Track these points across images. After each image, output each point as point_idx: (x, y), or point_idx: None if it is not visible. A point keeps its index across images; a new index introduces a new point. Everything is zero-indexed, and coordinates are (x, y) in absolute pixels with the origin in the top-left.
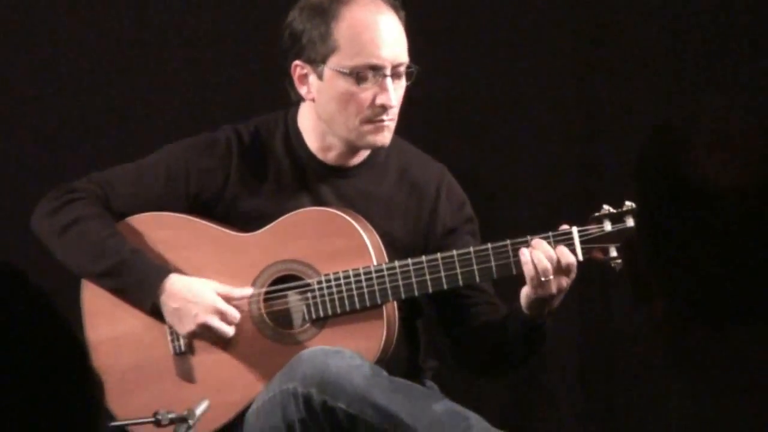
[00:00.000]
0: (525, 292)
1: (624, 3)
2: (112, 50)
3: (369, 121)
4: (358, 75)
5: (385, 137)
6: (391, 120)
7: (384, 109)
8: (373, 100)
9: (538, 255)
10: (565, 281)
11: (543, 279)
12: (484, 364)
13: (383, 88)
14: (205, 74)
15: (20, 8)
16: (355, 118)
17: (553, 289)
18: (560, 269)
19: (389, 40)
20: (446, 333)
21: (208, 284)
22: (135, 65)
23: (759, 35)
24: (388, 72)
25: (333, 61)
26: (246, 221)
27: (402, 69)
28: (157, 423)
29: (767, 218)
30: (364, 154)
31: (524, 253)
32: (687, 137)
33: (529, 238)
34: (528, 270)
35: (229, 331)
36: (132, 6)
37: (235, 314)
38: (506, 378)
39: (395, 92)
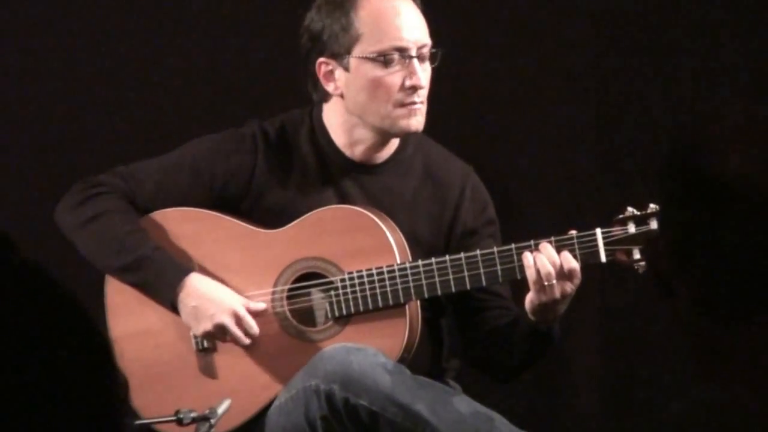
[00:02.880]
0: (529, 297)
1: (644, 0)
2: (139, 46)
3: (401, 104)
4: (385, 58)
5: (419, 121)
6: (422, 103)
7: (414, 90)
8: (403, 82)
9: (542, 259)
10: (568, 287)
11: (546, 284)
12: (492, 368)
13: (411, 70)
14: (230, 70)
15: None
16: (387, 103)
17: (557, 294)
18: (563, 274)
19: (411, 22)
20: (460, 334)
21: (228, 289)
22: (161, 60)
23: None
24: (413, 53)
25: (358, 50)
26: (271, 217)
27: (426, 51)
28: (179, 422)
29: None
30: (390, 150)
31: (527, 257)
32: (712, 136)
33: (553, 239)
34: (530, 274)
35: (243, 338)
36: (157, 4)
37: (251, 324)
38: (514, 382)
39: (423, 73)
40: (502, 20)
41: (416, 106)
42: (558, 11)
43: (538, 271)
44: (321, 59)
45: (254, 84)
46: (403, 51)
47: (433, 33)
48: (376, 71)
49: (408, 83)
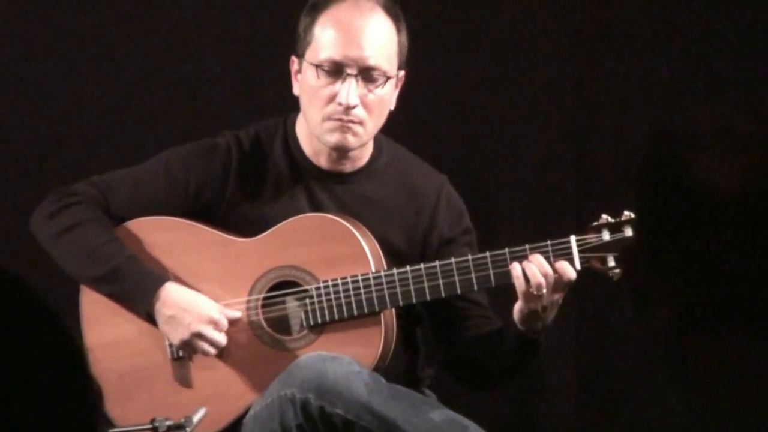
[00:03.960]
0: (518, 306)
1: (622, 9)
2: (113, 53)
3: (329, 117)
4: (321, 69)
5: (347, 139)
6: (354, 123)
7: (342, 107)
8: (334, 96)
9: (532, 269)
10: (557, 295)
11: (536, 293)
12: (472, 376)
13: (342, 86)
14: (207, 79)
15: (20, 11)
16: (319, 113)
17: (546, 302)
18: (557, 284)
19: (362, 41)
20: (438, 343)
21: (203, 296)
22: (136, 68)
23: (759, 38)
24: (351, 71)
25: (308, 54)
26: (245, 226)
27: (375, 74)
28: (155, 430)
29: None
30: (363, 160)
31: (515, 268)
32: (687, 142)
33: (527, 247)
34: (519, 284)
35: (222, 341)
36: (135, 10)
37: (225, 324)
38: (494, 391)
39: (366, 97)
40: (479, 29)
41: (344, 123)
42: (536, 19)
43: (528, 281)
44: (292, 56)
45: (237, 91)
46: (339, 66)
47: (413, 40)
48: (313, 79)
49: (337, 98)
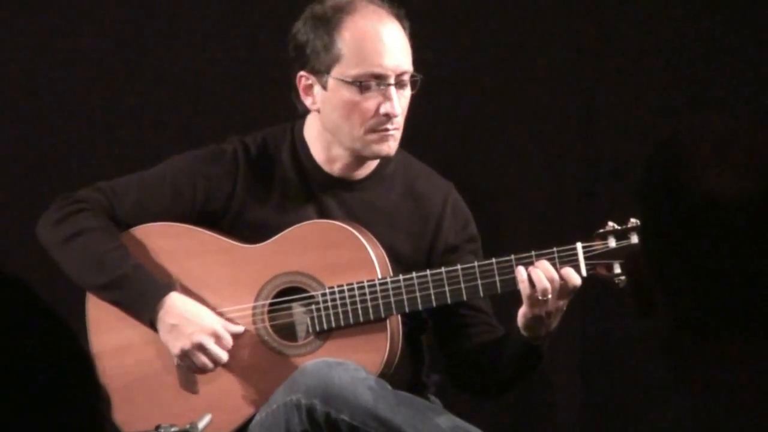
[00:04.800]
0: (522, 311)
1: (627, 16)
2: (120, 57)
3: (373, 130)
4: (361, 84)
5: (390, 147)
6: (395, 129)
7: (388, 118)
8: (377, 109)
9: (538, 274)
10: (562, 302)
11: (541, 298)
12: (475, 384)
13: (387, 97)
14: (215, 85)
15: (26, 15)
16: (360, 127)
17: (551, 308)
18: (563, 290)
19: (392, 49)
20: (441, 351)
21: (207, 309)
22: (143, 73)
23: (763, 45)
24: (391, 81)
25: (336, 71)
26: (251, 233)
27: (406, 78)
28: None
29: None
30: (370, 167)
31: (521, 272)
32: (691, 151)
33: (534, 253)
34: (524, 288)
35: (222, 356)
36: (143, 15)
37: (229, 340)
38: (497, 398)
39: (399, 101)
40: (485, 35)
41: (389, 133)
42: (542, 26)
43: (533, 286)
44: (302, 72)
45: (237, 99)
46: (380, 78)
47: (417, 45)
48: (351, 95)
49: (382, 110)
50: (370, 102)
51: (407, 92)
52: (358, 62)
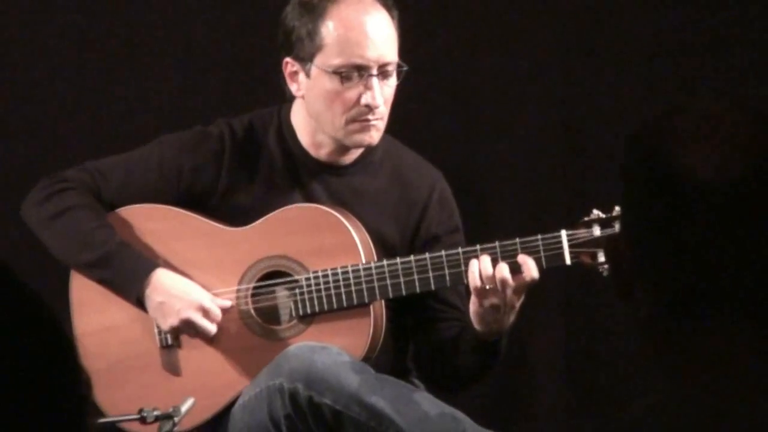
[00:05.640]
0: (470, 303)
1: (611, 6)
2: (106, 43)
3: (354, 120)
4: (342, 74)
5: (372, 136)
6: (378, 119)
7: (369, 108)
8: (358, 99)
9: (482, 267)
10: (509, 297)
11: (488, 287)
12: (435, 377)
13: (368, 88)
14: (201, 67)
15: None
16: (341, 117)
17: (496, 299)
18: (502, 284)
19: (376, 39)
20: (412, 344)
21: (194, 284)
22: (130, 57)
23: (742, 32)
24: (373, 72)
25: (319, 60)
26: (237, 216)
27: (390, 68)
28: (143, 420)
29: (751, 214)
30: (357, 153)
31: (473, 263)
32: (670, 133)
33: (518, 240)
34: (471, 279)
35: (212, 329)
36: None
37: (218, 313)
38: (456, 394)
39: (382, 91)
40: (469, 26)
41: (371, 123)
42: (526, 14)
43: (481, 278)
44: (287, 59)
45: (224, 81)
46: (362, 69)
47: (403, 36)
48: (333, 85)
49: (363, 101)
50: (352, 92)
51: (392, 81)
52: (340, 52)
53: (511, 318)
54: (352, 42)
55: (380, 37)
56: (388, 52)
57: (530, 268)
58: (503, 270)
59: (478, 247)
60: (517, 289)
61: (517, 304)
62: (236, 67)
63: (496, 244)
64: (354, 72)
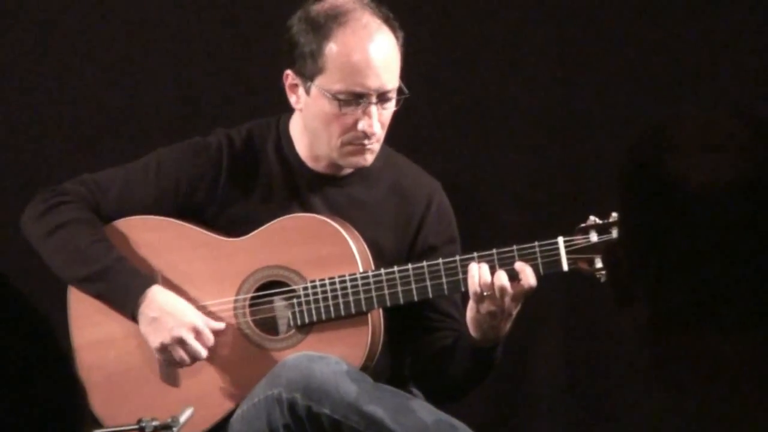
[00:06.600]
0: (467, 309)
1: (609, 10)
2: (105, 53)
3: (350, 143)
4: (341, 100)
5: (366, 159)
6: (374, 143)
7: (365, 134)
8: (355, 124)
9: (482, 270)
10: (507, 304)
11: (486, 294)
12: (435, 386)
13: (366, 115)
14: (199, 77)
15: (14, 9)
16: (337, 138)
17: (493, 306)
18: (500, 291)
19: (378, 68)
20: (408, 354)
21: (189, 304)
22: (128, 66)
23: (741, 39)
24: (372, 100)
25: (320, 81)
26: (235, 226)
27: (390, 95)
28: (141, 430)
29: (749, 222)
30: None
31: (472, 268)
32: (670, 141)
33: (515, 247)
34: (470, 284)
35: (202, 352)
36: (128, 8)
37: (210, 337)
38: (450, 403)
39: (380, 115)
40: (466, 31)
41: (366, 147)
42: (523, 21)
43: (478, 284)
44: (289, 71)
45: (230, 90)
46: (362, 97)
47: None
48: (331, 108)
49: (360, 127)
50: (349, 117)
51: (390, 105)
52: (341, 79)
53: (508, 325)
54: (354, 70)
55: (383, 65)
56: (390, 80)
57: (528, 276)
58: (502, 278)
59: (475, 254)
60: (515, 297)
61: (514, 312)
62: (236, 75)
63: (494, 251)
64: (353, 99)
